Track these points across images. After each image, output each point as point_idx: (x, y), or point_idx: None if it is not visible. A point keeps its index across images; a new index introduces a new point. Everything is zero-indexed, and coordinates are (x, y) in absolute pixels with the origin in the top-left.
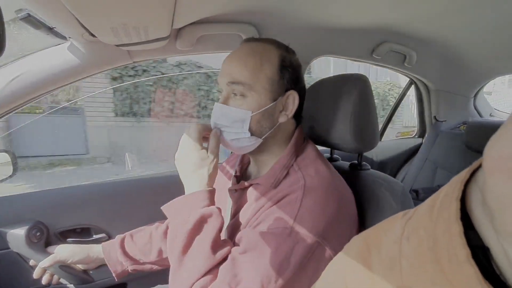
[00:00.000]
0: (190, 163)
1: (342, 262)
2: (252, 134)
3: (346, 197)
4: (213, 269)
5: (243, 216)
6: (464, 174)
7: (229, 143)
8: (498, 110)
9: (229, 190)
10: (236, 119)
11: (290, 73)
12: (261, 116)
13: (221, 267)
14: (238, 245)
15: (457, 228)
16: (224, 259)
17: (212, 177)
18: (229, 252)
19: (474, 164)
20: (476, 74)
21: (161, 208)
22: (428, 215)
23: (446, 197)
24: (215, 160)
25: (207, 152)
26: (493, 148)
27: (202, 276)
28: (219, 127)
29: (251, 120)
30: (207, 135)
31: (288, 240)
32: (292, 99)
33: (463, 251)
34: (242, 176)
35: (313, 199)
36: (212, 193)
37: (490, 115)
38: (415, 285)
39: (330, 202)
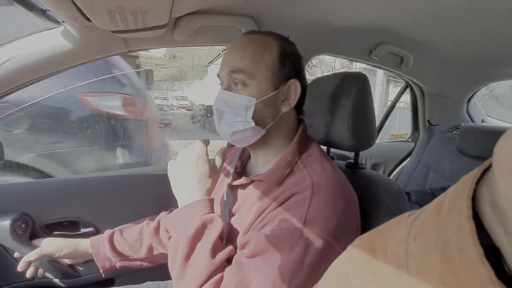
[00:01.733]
0: (196, 173)
1: (346, 263)
2: (255, 124)
3: (352, 195)
4: (214, 275)
5: (245, 214)
6: (475, 172)
7: (231, 135)
8: (489, 117)
9: (229, 186)
10: (240, 106)
11: (291, 62)
12: (263, 104)
13: (226, 271)
14: (242, 248)
15: (469, 227)
16: (224, 262)
17: (211, 189)
18: (229, 255)
19: (485, 163)
20: (470, 79)
21: (163, 223)
22: (436, 214)
23: (456, 195)
24: (218, 174)
25: (213, 167)
26: (503, 147)
27: (204, 283)
28: (221, 113)
29: (254, 108)
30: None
31: (300, 242)
32: (294, 88)
33: (475, 251)
34: (242, 172)
35: (322, 198)
36: (212, 202)
37: (482, 121)
38: (423, 286)
39: (339, 200)
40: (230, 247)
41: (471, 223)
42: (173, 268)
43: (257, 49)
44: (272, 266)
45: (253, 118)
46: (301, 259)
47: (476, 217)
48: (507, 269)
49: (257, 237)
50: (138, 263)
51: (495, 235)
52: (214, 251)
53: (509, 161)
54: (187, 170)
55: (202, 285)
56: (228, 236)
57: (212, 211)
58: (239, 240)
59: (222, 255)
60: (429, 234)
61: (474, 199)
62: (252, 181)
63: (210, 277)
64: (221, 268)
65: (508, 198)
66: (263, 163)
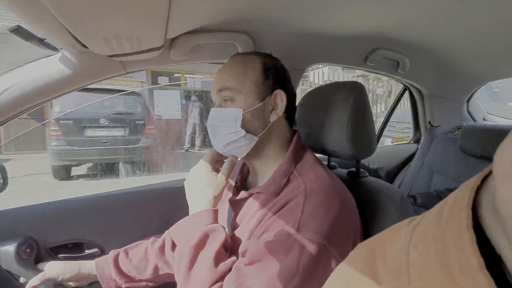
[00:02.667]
0: (199, 182)
1: (346, 271)
2: (246, 133)
3: (348, 200)
4: (218, 282)
5: (245, 227)
6: (474, 180)
7: (225, 146)
8: (491, 114)
9: (230, 200)
10: (228, 118)
11: (273, 74)
12: (252, 115)
13: (226, 278)
14: (242, 256)
15: (469, 236)
16: (227, 272)
17: (217, 198)
18: (232, 265)
19: (485, 170)
20: (468, 79)
21: (170, 231)
22: (436, 222)
23: (456, 204)
24: (223, 183)
25: (218, 174)
26: (503, 154)
27: None
28: (214, 128)
29: (243, 119)
30: (220, 160)
31: (294, 246)
32: (280, 98)
33: (475, 260)
34: (242, 186)
35: (315, 202)
36: (216, 212)
37: (484, 119)
38: None
39: (332, 204)
40: (233, 258)
41: (471, 233)
42: (178, 275)
43: (240, 67)
44: (268, 271)
45: (243, 128)
46: (296, 263)
47: (477, 225)
48: (509, 277)
49: (254, 245)
50: (143, 283)
51: (496, 243)
52: (217, 260)
53: (510, 168)
54: (194, 180)
55: None
56: (232, 248)
57: (216, 221)
58: (240, 249)
59: (225, 264)
60: (430, 242)
61: (474, 206)
62: (252, 194)
63: (212, 285)
64: (223, 277)
65: (509, 205)
66: (261, 175)
